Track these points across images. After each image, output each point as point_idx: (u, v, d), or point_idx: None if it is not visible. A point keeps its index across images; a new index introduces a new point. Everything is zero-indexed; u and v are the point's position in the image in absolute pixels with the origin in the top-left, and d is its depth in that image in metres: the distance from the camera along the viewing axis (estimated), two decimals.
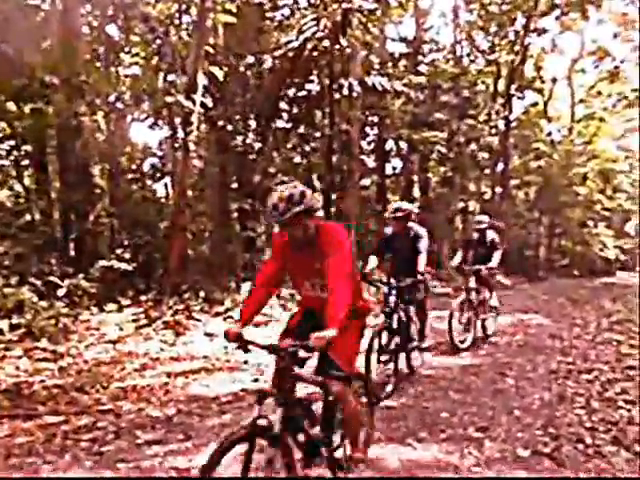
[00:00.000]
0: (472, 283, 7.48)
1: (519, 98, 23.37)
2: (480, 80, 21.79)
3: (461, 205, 21.06)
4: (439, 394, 5.39)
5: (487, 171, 23.19)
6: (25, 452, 3.92)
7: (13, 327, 6.94)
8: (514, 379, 5.94)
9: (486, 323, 7.96)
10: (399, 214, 5.95)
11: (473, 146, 19.85)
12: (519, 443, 4.14)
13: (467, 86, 19.52)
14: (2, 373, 5.72)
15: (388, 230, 6.23)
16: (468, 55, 22.55)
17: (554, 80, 26.86)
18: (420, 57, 18.89)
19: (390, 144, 19.64)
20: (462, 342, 7.25)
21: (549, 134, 27.02)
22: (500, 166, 23.07)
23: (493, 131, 21.56)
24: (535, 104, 25.59)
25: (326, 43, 12.02)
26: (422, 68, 18.59)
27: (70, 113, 9.96)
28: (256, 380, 5.86)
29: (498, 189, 23.12)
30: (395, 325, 5.43)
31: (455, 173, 19.92)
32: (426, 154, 18.21)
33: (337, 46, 11.95)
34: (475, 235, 7.91)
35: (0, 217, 11.37)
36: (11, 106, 8.60)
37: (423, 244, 5.94)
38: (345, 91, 12.65)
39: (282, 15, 14.46)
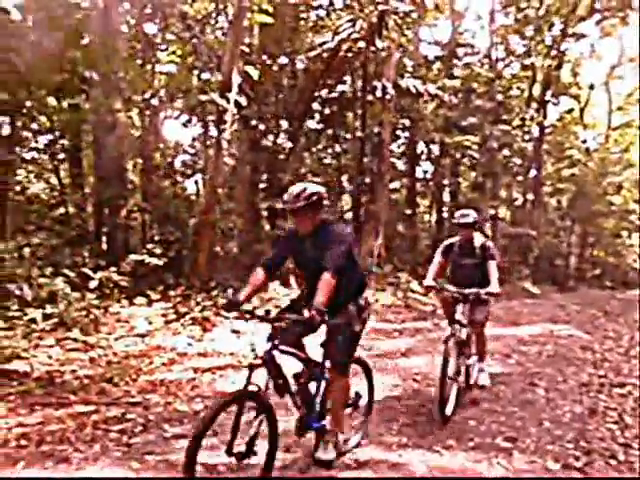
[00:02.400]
0: (460, 314, 5.04)
1: (554, 104, 23.01)
2: (515, 85, 21.51)
3: (491, 212, 20.80)
4: (467, 402, 5.31)
5: (519, 177, 22.87)
6: (57, 440, 3.99)
7: (46, 317, 7.09)
8: (544, 390, 5.82)
9: (471, 370, 5.57)
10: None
11: (506, 151, 19.60)
12: (549, 456, 4.05)
13: (501, 90, 19.30)
14: (35, 361, 5.84)
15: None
16: (503, 59, 22.26)
17: (591, 86, 26.34)
18: (455, 60, 18.72)
19: (421, 147, 19.52)
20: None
21: (584, 141, 26.49)
22: (533, 172, 22.73)
23: (527, 137, 21.24)
24: (571, 110, 25.13)
25: (361, 45, 11.99)
26: (456, 71, 18.41)
27: (106, 109, 10.14)
28: None
29: (530, 196, 22.78)
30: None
31: (486, 178, 19.68)
32: (457, 158, 18.04)
33: (372, 48, 11.91)
34: (458, 238, 5.54)
35: (36, 209, 11.67)
36: (51, 101, 8.79)
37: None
38: (378, 93, 12.60)
39: (317, 16, 14.50)
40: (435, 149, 19.11)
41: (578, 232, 26.68)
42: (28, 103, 7.95)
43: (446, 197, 20.71)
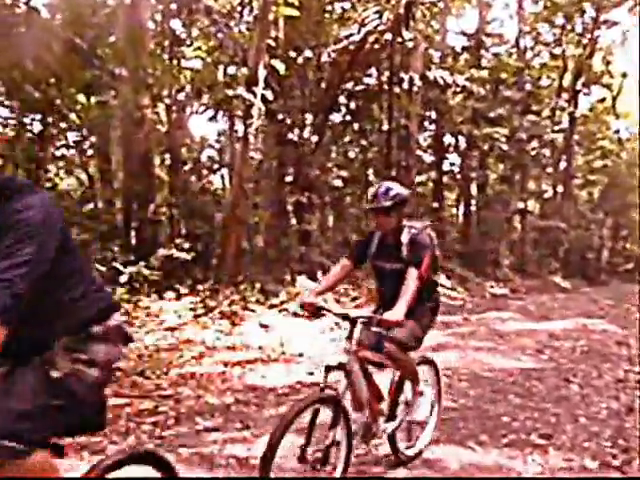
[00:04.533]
0: (347, 347, 3.11)
1: (585, 94, 22.50)
2: (545, 74, 21.08)
3: (520, 205, 20.45)
4: (499, 397, 5.23)
5: (549, 169, 22.44)
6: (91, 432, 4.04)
7: None
8: (579, 386, 5.70)
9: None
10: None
11: (535, 143, 19.24)
12: (586, 454, 3.96)
13: (531, 80, 18.92)
14: None
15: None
16: (532, 48, 21.83)
17: (624, 75, 25.64)
18: (482, 50, 18.42)
19: (448, 140, 19.29)
20: None
21: (617, 131, 25.87)
22: (563, 164, 22.28)
23: (557, 128, 20.82)
24: (603, 100, 24.54)
25: (388, 36, 11.86)
26: (484, 62, 18.11)
27: (134, 105, 10.24)
28: (311, 373, 5.86)
29: (560, 188, 22.37)
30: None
31: (515, 171, 19.37)
32: (485, 151, 17.77)
33: (399, 39, 11.78)
34: (377, 228, 3.53)
35: (66, 205, 11.86)
36: (81, 98, 8.91)
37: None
38: (405, 85, 12.46)
39: (342, 8, 14.40)
40: (462, 141, 18.86)
41: (610, 225, 26.12)
42: (58, 100, 8.05)
43: (474, 190, 20.44)
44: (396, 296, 3.26)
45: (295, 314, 8.74)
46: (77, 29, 7.66)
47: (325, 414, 2.88)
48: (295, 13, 10.16)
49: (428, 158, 19.19)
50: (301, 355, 6.56)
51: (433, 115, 18.02)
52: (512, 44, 20.70)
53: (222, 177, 16.52)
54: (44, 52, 7.07)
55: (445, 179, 20.13)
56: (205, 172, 14.95)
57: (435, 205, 18.16)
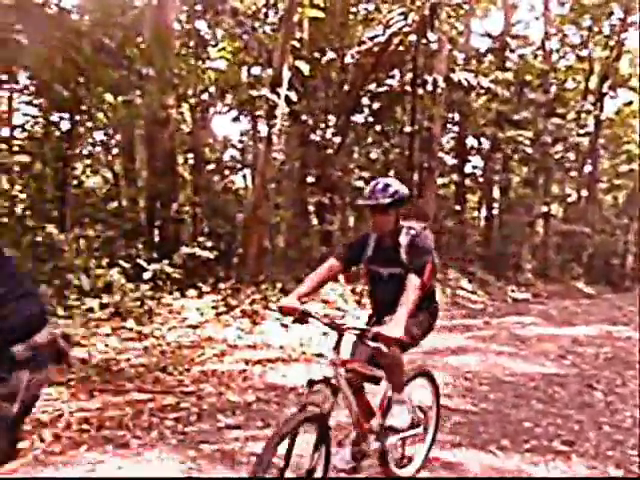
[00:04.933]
0: (337, 367, 2.82)
1: (612, 97, 22.15)
2: (570, 77, 20.80)
3: (544, 209, 20.21)
4: (521, 402, 5.19)
5: (573, 173, 22.13)
6: (115, 425, 4.12)
7: (103, 306, 7.33)
8: (602, 393, 5.62)
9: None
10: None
11: (559, 146, 19.00)
12: (610, 462, 3.91)
13: (556, 83, 18.69)
14: (93, 349, 6.04)
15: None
16: (558, 50, 21.56)
17: None
18: (507, 52, 18.24)
19: (471, 142, 19.14)
20: None
21: None
22: (588, 168, 21.96)
23: (582, 131, 20.52)
24: (629, 103, 24.10)
25: (412, 38, 11.83)
26: (509, 64, 17.94)
27: (159, 105, 10.36)
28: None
29: (584, 192, 22.04)
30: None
31: (539, 174, 19.15)
32: (509, 153, 17.60)
33: (423, 41, 11.74)
34: (373, 228, 3.24)
35: (92, 202, 12.06)
36: (108, 97, 9.06)
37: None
38: (429, 87, 12.41)
39: (366, 10, 14.39)
40: (485, 144, 18.70)
41: (635, 230, 25.63)
42: (87, 99, 8.20)
43: (496, 193, 20.26)
44: (393, 303, 2.93)
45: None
46: (106, 30, 7.78)
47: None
48: (320, 15, 10.19)
49: (450, 160, 19.07)
50: (321, 355, 6.57)
51: (456, 117, 17.91)
52: (538, 46, 20.48)
53: (244, 177, 16.64)
54: (74, 52, 7.20)
55: (467, 182, 20.00)
56: (227, 172, 15.05)
57: (457, 208, 18.04)
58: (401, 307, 2.84)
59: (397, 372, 3.13)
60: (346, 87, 13.29)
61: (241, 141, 16.10)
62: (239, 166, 15.52)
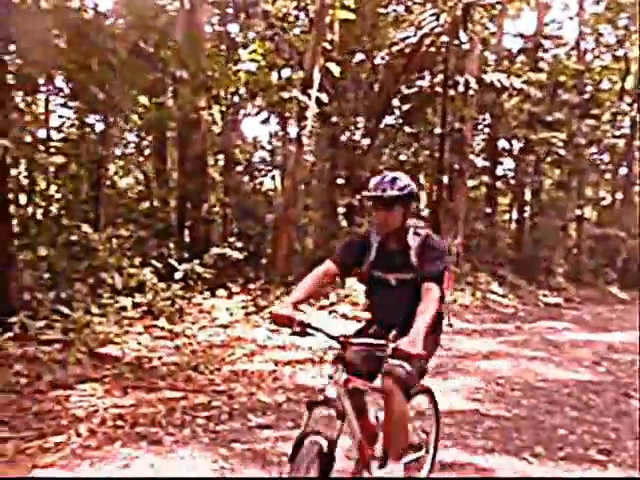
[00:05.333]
0: (332, 379, 2.53)
1: None
2: (606, 77, 20.34)
3: (577, 212, 19.80)
4: (554, 409, 5.09)
5: (608, 175, 21.63)
6: (149, 422, 4.18)
7: (135, 305, 7.45)
8: None
9: None
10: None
11: (594, 148, 18.60)
12: None
13: (591, 83, 18.30)
14: (126, 347, 6.15)
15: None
16: (593, 50, 21.11)
17: None
18: (540, 53, 17.94)
19: (502, 144, 18.87)
20: None
21: None
22: (623, 170, 21.43)
23: (617, 132, 20.05)
24: None
25: (444, 39, 11.74)
26: (542, 64, 17.65)
27: (190, 107, 10.50)
28: None
29: (619, 195, 21.51)
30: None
31: (572, 176, 18.77)
32: (541, 155, 17.30)
33: (455, 42, 11.64)
34: (374, 229, 2.98)
35: (124, 203, 12.29)
36: (143, 100, 9.22)
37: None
38: (461, 88, 12.29)
39: (395, 11, 14.32)
40: (517, 145, 18.42)
41: None
42: (121, 102, 8.36)
43: (528, 196, 19.93)
44: (400, 313, 2.73)
45: (344, 316, 8.76)
46: (141, 33, 7.92)
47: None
48: (351, 16, 10.19)
49: (481, 162, 18.84)
50: None
51: (487, 119, 17.69)
52: (572, 46, 20.09)
53: (273, 178, 16.72)
54: (109, 55, 7.35)
55: (498, 184, 19.72)
56: (257, 173, 15.14)
57: (488, 210, 17.82)
58: (419, 321, 2.50)
59: (398, 422, 2.76)
60: (376, 88, 13.25)
61: (270, 142, 16.18)
62: (268, 167, 15.60)
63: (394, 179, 2.79)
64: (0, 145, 5.71)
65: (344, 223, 13.06)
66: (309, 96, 9.48)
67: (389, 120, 14.80)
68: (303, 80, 9.79)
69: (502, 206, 21.46)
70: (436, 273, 2.73)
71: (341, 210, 13.12)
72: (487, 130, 18.39)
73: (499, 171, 19.46)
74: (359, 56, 13.37)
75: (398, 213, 2.80)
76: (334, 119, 11.88)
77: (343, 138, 12.28)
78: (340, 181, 12.68)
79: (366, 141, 12.53)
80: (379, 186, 2.76)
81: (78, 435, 3.83)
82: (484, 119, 17.69)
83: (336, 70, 10.22)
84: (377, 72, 13.70)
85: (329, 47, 11.16)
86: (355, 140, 12.85)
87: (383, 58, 13.08)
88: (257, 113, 15.56)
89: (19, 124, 8.76)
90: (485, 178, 18.23)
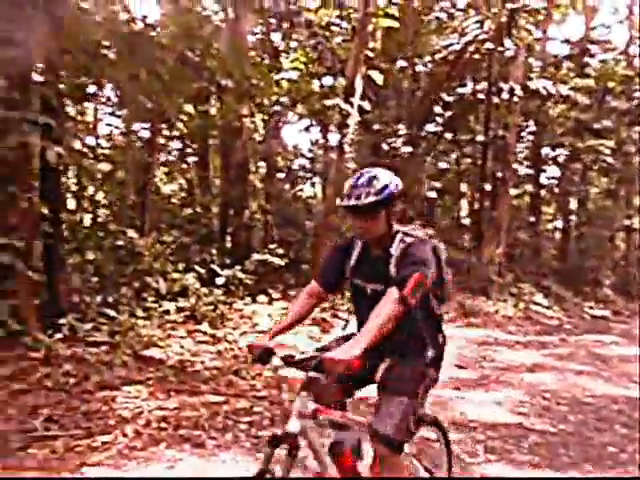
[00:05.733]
0: (307, 423, 2.36)
1: None
2: None
3: (625, 222, 19.13)
4: (604, 426, 4.92)
5: None
6: (192, 425, 4.24)
7: (178, 309, 7.59)
8: None
9: None
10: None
11: None
12: None
13: None
14: (169, 350, 6.26)
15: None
16: None
17: None
18: (587, 58, 17.49)
19: (546, 151, 18.45)
20: None
21: None
22: None
23: None
24: None
25: (488, 45, 11.59)
26: (589, 70, 17.20)
27: (233, 115, 10.68)
28: None
29: None
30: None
31: (620, 185, 18.19)
32: (588, 164, 16.84)
33: (500, 48, 11.47)
34: (358, 236, 2.62)
35: (168, 209, 12.56)
36: (188, 108, 9.43)
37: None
38: (505, 95, 12.10)
39: (437, 19, 14.24)
40: (562, 153, 17.97)
41: None
42: (168, 110, 8.58)
43: (573, 205, 19.41)
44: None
45: None
46: (187, 43, 8.12)
47: None
48: (395, 24, 10.17)
49: (525, 170, 18.45)
50: None
51: (532, 126, 17.34)
52: (620, 51, 19.50)
53: (313, 185, 16.80)
54: (157, 65, 7.55)
55: (542, 192, 19.27)
56: (298, 181, 15.25)
57: (531, 219, 17.43)
58: (366, 326, 2.18)
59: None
60: (418, 96, 13.18)
61: (311, 150, 16.28)
62: (309, 175, 15.69)
63: (370, 180, 2.38)
64: (55, 153, 5.92)
65: None
66: (351, 104, 9.50)
67: (431, 128, 14.68)
68: (345, 88, 9.82)
69: (546, 215, 20.96)
70: (400, 278, 2.30)
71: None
72: (531, 138, 18.03)
73: (543, 179, 19.04)
74: (401, 63, 13.32)
75: (379, 219, 2.42)
76: (376, 127, 11.85)
77: (384, 146, 12.23)
78: None
79: (407, 149, 12.45)
80: (354, 191, 2.38)
81: (124, 435, 3.92)
82: (527, 126, 17.34)
83: (378, 78, 10.21)
84: (419, 80, 13.63)
85: (371, 55, 11.16)
86: (396, 148, 12.79)
87: (425, 65, 13.00)
88: (298, 121, 15.70)
89: (71, 132, 9.06)
90: (529, 186, 17.86)
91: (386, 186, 2.38)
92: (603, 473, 3.87)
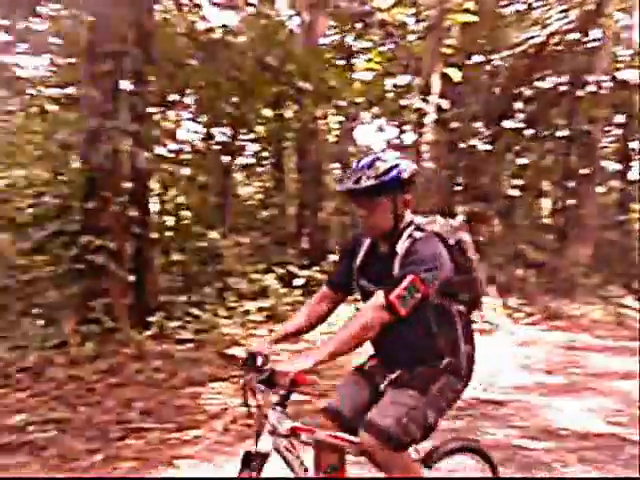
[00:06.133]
0: (282, 442, 2.05)
1: None
2: None
3: None
4: None
5: None
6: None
7: (259, 309, 7.75)
8: None
9: None
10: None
11: None
12: None
13: None
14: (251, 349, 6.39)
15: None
16: None
17: None
18: None
19: (635, 145, 17.38)
20: None
21: None
22: None
23: None
24: None
25: (573, 36, 11.07)
26: None
27: (309, 117, 10.80)
28: (485, 390, 5.64)
29: None
30: None
31: None
32: None
33: (585, 39, 10.93)
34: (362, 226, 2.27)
35: (247, 211, 12.89)
36: (266, 112, 9.63)
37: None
38: (591, 87, 11.50)
39: (517, 11, 13.75)
40: None
41: None
42: (247, 115, 8.82)
43: None
44: (391, 341, 2.13)
45: None
46: (266, 47, 8.30)
47: None
48: (473, 19, 9.92)
49: (612, 166, 17.48)
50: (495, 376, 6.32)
51: (619, 119, 16.39)
52: None
53: None
54: (237, 70, 7.78)
55: (631, 189, 18.14)
56: None
57: (620, 218, 16.48)
58: (337, 333, 1.94)
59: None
60: (497, 91, 12.79)
61: (385, 150, 16.17)
62: None
63: (373, 162, 2.08)
64: (144, 158, 6.22)
65: None
66: (428, 103, 9.37)
67: (510, 124, 14.20)
68: (422, 87, 9.69)
69: (636, 213, 19.74)
70: (392, 280, 1.99)
71: (460, 218, 12.76)
72: (619, 132, 17.05)
73: (632, 175, 17.94)
74: (477, 58, 12.98)
75: (383, 208, 2.09)
76: (453, 125, 11.62)
77: (462, 144, 11.96)
78: (459, 188, 12.36)
79: (486, 146, 12.11)
80: (353, 174, 2.07)
81: (213, 431, 4.05)
82: (615, 119, 16.40)
83: (456, 75, 10.00)
84: (497, 75, 13.22)
85: (448, 52, 10.94)
86: (474, 146, 12.48)
87: (504, 59, 12.59)
88: (373, 121, 15.66)
89: (156, 138, 9.47)
90: (616, 183, 16.89)
91: (390, 169, 2.07)
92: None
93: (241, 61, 7.90)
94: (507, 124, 13.38)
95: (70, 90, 9.42)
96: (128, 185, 6.96)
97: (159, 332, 6.25)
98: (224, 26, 8.87)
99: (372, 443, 2.01)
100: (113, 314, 6.21)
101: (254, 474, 1.89)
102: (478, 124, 12.20)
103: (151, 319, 6.33)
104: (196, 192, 11.43)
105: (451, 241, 2.16)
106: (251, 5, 10.77)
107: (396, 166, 2.08)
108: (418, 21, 12.25)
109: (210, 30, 9.25)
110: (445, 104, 10.16)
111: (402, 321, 1.96)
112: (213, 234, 8.72)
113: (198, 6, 9.67)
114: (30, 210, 8.17)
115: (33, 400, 4.68)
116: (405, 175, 2.09)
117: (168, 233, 9.74)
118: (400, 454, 2.05)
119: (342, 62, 13.16)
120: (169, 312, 6.85)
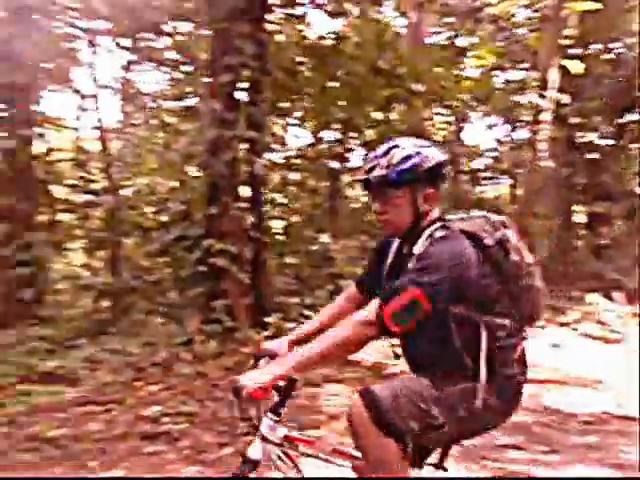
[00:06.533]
0: (274, 450, 1.94)
1: None
2: None
3: None
4: None
5: None
6: None
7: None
8: None
9: None
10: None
11: None
12: None
13: None
14: (366, 352, 6.42)
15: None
16: None
17: None
18: None
19: None
20: None
21: None
22: None
23: None
24: None
25: None
26: None
27: (418, 118, 10.66)
28: (619, 406, 5.25)
29: None
30: None
31: None
32: None
33: None
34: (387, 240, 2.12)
35: (355, 214, 12.96)
36: (377, 115, 9.66)
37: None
38: None
39: None
40: None
41: None
42: (357, 119, 8.90)
43: None
44: (418, 351, 1.94)
45: (589, 336, 7.99)
46: (376, 51, 8.32)
47: None
48: (597, 6, 9.29)
49: None
50: (600, 382, 5.94)
51: None
52: None
53: (497, 185, 16.08)
54: (348, 75, 7.87)
55: None
56: (483, 181, 14.74)
57: None
58: (316, 339, 1.78)
59: (376, 463, 1.78)
60: (621, 82, 11.87)
61: (496, 149, 15.59)
62: (494, 175, 15.05)
63: (388, 150, 1.85)
64: (262, 165, 6.46)
65: (583, 232, 11.94)
66: (545, 98, 8.90)
67: (636, 117, 13.15)
68: (539, 81, 9.23)
69: None
70: (392, 291, 1.72)
71: (578, 219, 12.02)
72: None
73: None
74: (595, 47, 12.13)
75: (399, 202, 1.85)
76: (572, 120, 10.95)
77: (583, 140, 11.23)
78: (579, 187, 11.63)
79: (609, 141, 11.29)
80: (368, 163, 1.88)
81: (334, 432, 4.11)
82: None
83: (576, 67, 9.41)
84: (620, 65, 12.29)
85: (566, 43, 10.34)
86: (594, 142, 11.68)
87: (629, 48, 11.66)
88: (483, 119, 15.17)
89: (269, 145, 9.81)
90: None
91: (407, 157, 1.81)
92: None
93: (352, 66, 7.96)
94: (632, 117, 12.42)
95: (187, 102, 10.04)
96: (246, 191, 7.26)
97: (276, 332, 6.44)
98: (334, 33, 8.99)
99: (358, 407, 1.76)
100: (233, 314, 6.51)
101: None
102: (599, 118, 11.41)
103: (268, 320, 6.55)
104: (306, 196, 11.70)
105: (488, 241, 1.82)
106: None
107: (415, 155, 1.82)
108: (533, 12, 11.68)
109: (320, 38, 9.44)
110: (565, 99, 9.59)
111: (419, 329, 1.72)
112: (324, 237, 8.87)
113: (306, 15, 9.90)
114: (155, 216, 8.79)
115: (165, 394, 5.02)
116: (426, 165, 1.83)
117: (280, 237, 10.02)
118: (388, 439, 1.73)
119: (451, 60, 12.88)
120: (285, 313, 7.06)
